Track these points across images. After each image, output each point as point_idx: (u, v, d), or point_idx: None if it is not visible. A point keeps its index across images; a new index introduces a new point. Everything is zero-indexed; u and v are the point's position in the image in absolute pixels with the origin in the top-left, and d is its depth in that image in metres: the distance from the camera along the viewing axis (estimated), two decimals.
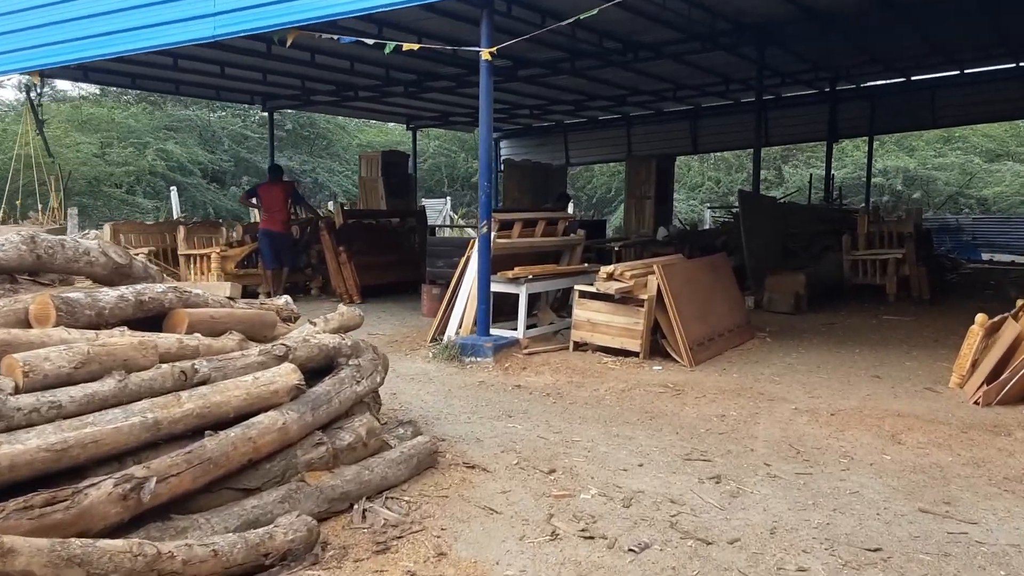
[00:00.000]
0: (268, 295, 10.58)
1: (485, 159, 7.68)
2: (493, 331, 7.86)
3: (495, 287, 7.90)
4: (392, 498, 4.02)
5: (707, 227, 20.30)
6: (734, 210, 14.19)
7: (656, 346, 7.64)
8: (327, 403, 4.03)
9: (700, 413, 5.82)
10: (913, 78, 16.96)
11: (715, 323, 8.11)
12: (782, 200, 16.58)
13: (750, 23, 11.36)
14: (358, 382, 4.35)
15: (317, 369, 4.32)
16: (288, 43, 8.46)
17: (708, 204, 26.42)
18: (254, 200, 11.95)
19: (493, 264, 7.87)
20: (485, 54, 7.47)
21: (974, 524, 3.83)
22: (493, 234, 7.92)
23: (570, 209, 23.71)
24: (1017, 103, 17.02)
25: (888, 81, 17.42)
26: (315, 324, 4.94)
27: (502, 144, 22.06)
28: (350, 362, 4.43)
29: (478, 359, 7.40)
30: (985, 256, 19.00)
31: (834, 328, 9.48)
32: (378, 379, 4.74)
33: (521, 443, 5.10)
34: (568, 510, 3.99)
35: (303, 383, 3.93)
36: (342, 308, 5.35)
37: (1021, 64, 15.74)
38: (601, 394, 6.37)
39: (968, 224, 23.06)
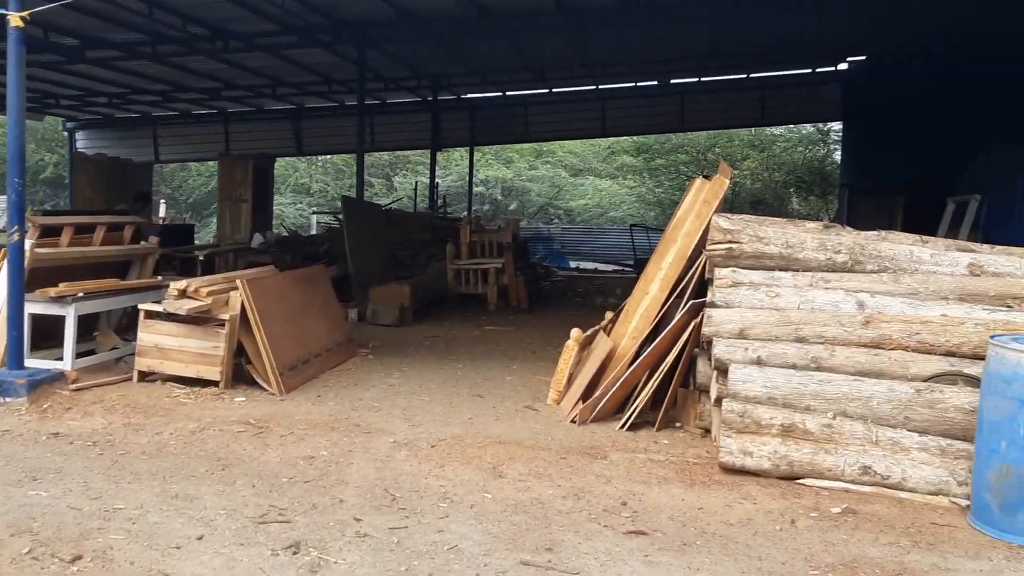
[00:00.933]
0: None
1: (15, 149, 6.09)
2: (32, 362, 6.31)
3: (32, 307, 6.33)
4: None
5: (314, 233, 19.54)
6: (340, 216, 13.55)
7: (241, 372, 6.64)
8: None
9: (285, 456, 4.96)
10: (508, 93, 17.81)
11: (311, 343, 7.31)
12: (388, 207, 16.35)
13: (348, 21, 10.83)
14: None
15: None
16: None
17: (315, 210, 25.64)
18: None
19: (33, 278, 6.37)
20: (15, 19, 5.98)
21: (576, 575, 3.45)
22: (31, 242, 6.36)
23: (162, 211, 21.55)
24: (595, 122, 18.64)
25: (486, 94, 18.13)
26: None
27: (78, 135, 19.41)
28: None
29: (7, 400, 5.84)
30: (572, 264, 20.49)
31: (437, 341, 9.19)
32: None
33: (43, 518, 3.89)
34: None
35: None
36: None
37: (600, 87, 17.18)
38: (165, 439, 5.23)
39: (557, 234, 24.87)
